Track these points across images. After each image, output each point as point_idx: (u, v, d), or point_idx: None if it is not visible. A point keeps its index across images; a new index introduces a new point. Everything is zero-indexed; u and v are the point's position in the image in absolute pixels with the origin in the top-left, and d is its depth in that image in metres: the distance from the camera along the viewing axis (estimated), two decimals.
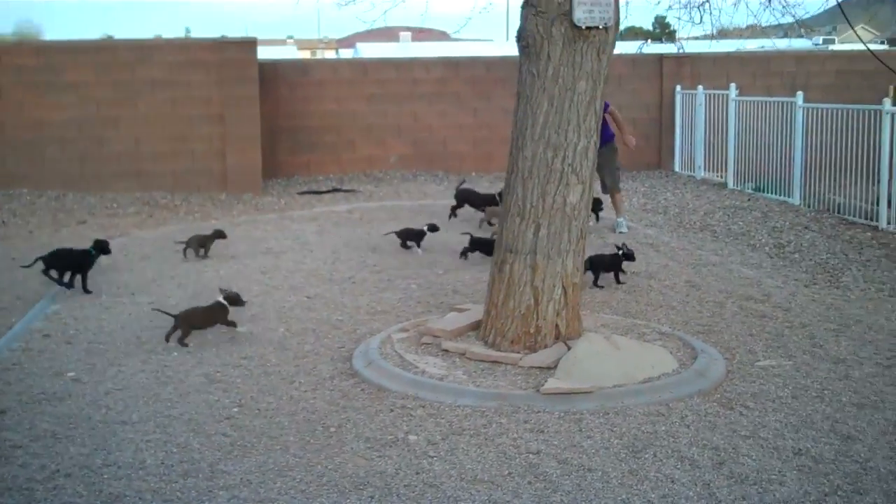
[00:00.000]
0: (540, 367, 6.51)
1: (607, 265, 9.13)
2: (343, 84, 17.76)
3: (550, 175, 6.77)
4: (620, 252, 9.15)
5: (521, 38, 6.93)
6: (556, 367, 6.40)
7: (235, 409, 6.03)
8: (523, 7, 6.91)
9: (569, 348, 6.58)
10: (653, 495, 4.78)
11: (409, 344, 7.10)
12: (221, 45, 15.95)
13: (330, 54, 64.88)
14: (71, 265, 8.95)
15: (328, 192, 15.85)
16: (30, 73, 15.15)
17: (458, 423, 5.73)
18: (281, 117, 17.23)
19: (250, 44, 16.05)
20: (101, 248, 9.24)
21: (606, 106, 10.70)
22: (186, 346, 7.25)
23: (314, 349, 7.27)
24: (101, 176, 15.17)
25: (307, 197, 15.42)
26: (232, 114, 15.63)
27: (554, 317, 6.83)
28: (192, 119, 15.63)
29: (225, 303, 7.53)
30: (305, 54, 64.38)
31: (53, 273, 8.84)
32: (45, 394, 6.31)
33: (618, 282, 9.05)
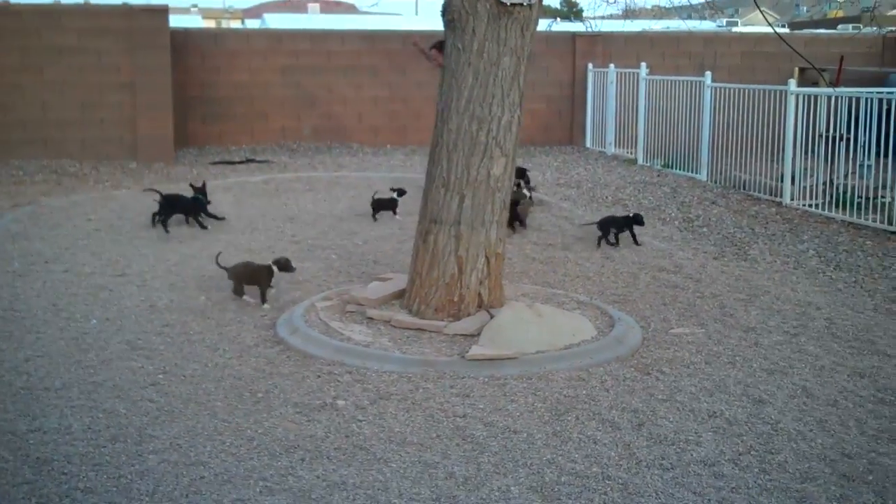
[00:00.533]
0: (464, 335, 6.64)
1: (619, 226, 9.87)
2: (256, 54, 17.57)
3: (475, 148, 6.87)
4: (631, 215, 9.98)
5: (446, 12, 7.00)
6: (479, 334, 6.54)
7: (160, 376, 6.01)
8: None
9: (492, 316, 6.72)
10: (576, 455, 4.96)
11: (334, 312, 7.15)
12: (131, 12, 15.60)
13: (236, 24, 63.74)
14: None
15: (242, 162, 15.70)
16: None
17: (385, 388, 5.83)
18: (192, 87, 16.99)
19: (162, 11, 15.74)
20: None
21: None
22: (241, 296, 7.63)
23: (236, 317, 7.26)
24: (7, 143, 14.74)
25: (220, 167, 15.24)
26: (142, 82, 15.33)
27: (477, 286, 6.96)
28: (102, 87, 15.28)
29: (274, 267, 7.64)
30: (211, 24, 63.00)
31: None
32: None
33: (636, 243, 9.83)
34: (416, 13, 60.20)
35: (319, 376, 6.02)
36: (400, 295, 7.31)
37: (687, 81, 15.12)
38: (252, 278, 7.67)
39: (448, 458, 4.90)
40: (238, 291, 7.66)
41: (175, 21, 16.77)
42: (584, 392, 5.80)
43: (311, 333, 6.66)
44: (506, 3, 6.69)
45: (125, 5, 15.88)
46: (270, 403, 5.59)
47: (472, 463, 4.86)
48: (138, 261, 8.90)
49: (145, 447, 4.97)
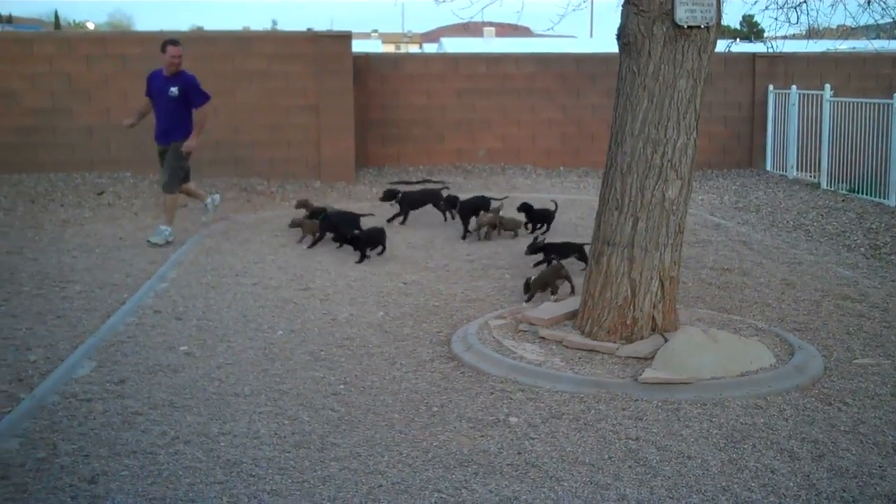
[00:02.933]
0: (636, 358, 6.62)
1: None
2: (434, 78, 18.00)
3: (649, 170, 6.85)
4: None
5: (621, 35, 7.03)
6: (652, 357, 6.50)
7: (341, 387, 6.27)
8: (624, 5, 7.00)
9: (666, 340, 6.68)
10: (753, 484, 4.87)
11: (507, 331, 7.27)
12: (317, 38, 16.30)
13: (414, 48, 65.29)
14: None
15: (418, 182, 16.09)
16: (134, 61, 15.66)
17: (558, 407, 5.88)
18: (372, 109, 17.56)
19: (345, 37, 16.36)
20: None
21: (195, 101, 10.95)
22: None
23: (413, 332, 7.48)
24: (201, 162, 15.60)
25: (397, 187, 15.66)
26: (326, 105, 15.98)
27: (650, 309, 6.92)
28: (289, 109, 16.01)
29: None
30: (390, 48, 64.90)
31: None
32: (160, 366, 6.62)
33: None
34: (591, 36, 60.09)
35: (492, 393, 6.13)
36: (572, 316, 7.35)
37: (874, 104, 14.53)
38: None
39: (620, 480, 4.91)
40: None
41: (356, 46, 17.40)
42: (761, 420, 5.68)
43: (485, 351, 6.79)
44: (682, 26, 6.66)
45: (311, 31, 16.62)
46: (445, 417, 5.74)
47: (644, 486, 4.85)
48: (321, 276, 9.29)
49: (327, 454, 5.21)
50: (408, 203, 12.04)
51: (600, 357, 6.69)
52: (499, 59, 18.52)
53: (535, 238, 9.88)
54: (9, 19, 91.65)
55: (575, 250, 9.41)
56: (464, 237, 11.21)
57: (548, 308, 7.55)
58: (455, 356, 6.87)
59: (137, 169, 15.43)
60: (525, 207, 11.54)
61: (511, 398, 6.05)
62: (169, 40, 10.80)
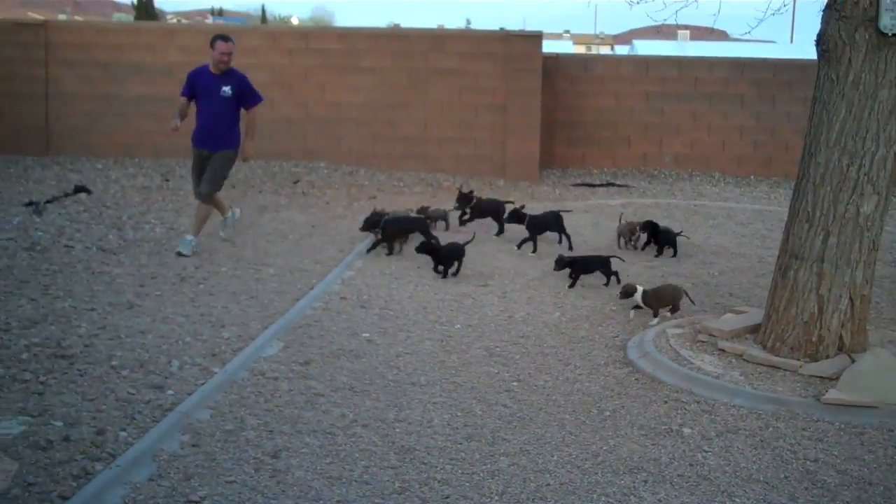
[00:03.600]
0: (820, 377, 6.39)
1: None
2: (623, 80, 17.84)
3: (844, 183, 6.60)
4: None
5: (820, 42, 6.79)
6: (837, 378, 6.26)
7: (514, 384, 6.36)
8: (825, 10, 6.76)
9: (853, 361, 6.42)
10: None
11: (684, 340, 7.16)
12: (508, 38, 16.46)
13: (605, 50, 64.66)
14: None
15: (602, 185, 16.01)
16: (333, 56, 16.29)
17: (734, 422, 5.76)
18: (559, 110, 17.57)
19: (536, 37, 16.46)
20: None
21: (248, 101, 9.92)
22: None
23: (588, 335, 7.48)
24: (391, 156, 16.13)
25: (581, 189, 15.67)
26: (514, 104, 16.12)
27: (838, 327, 6.67)
28: (477, 107, 16.26)
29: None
30: (581, 49, 64.52)
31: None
32: (343, 350, 6.90)
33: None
34: (791, 41, 57.89)
35: (666, 402, 6.07)
36: (754, 329, 7.17)
37: None
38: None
39: (795, 501, 4.77)
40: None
41: (548, 46, 17.47)
42: None
43: (661, 359, 6.72)
44: (887, 34, 6.37)
45: (503, 31, 16.78)
46: (617, 423, 5.73)
47: None
48: (500, 274, 9.41)
49: (497, 448, 5.30)
50: (392, 232, 10.21)
51: (781, 374, 6.50)
52: (691, 63, 18.17)
53: (561, 254, 9.34)
54: (219, 12, 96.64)
55: (601, 264, 9.14)
56: (534, 251, 10.55)
57: (729, 320, 7.39)
58: (630, 362, 6.83)
59: (331, 159, 16.04)
60: (650, 226, 10.72)
61: (685, 409, 5.97)
62: (219, 35, 9.73)
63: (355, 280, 8.97)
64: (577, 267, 9.08)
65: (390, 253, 10.10)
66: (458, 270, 9.30)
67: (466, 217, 11.39)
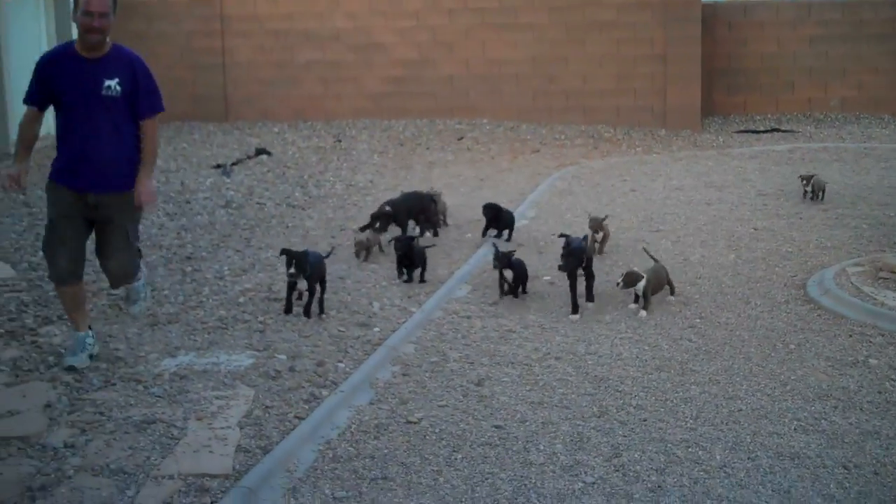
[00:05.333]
0: None
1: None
2: (784, 25, 17.43)
3: None
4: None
5: None
6: None
7: (697, 321, 6.59)
8: None
9: None
10: None
11: (865, 277, 7.21)
12: None
13: None
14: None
15: (766, 131, 15.80)
16: (491, 14, 16.56)
17: None
18: (719, 58, 17.33)
19: None
20: None
21: (143, 107, 5.42)
22: None
23: (766, 276, 7.62)
24: (551, 109, 16.34)
25: (745, 136, 15.52)
26: (673, 53, 16.04)
27: None
28: (636, 59, 16.24)
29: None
30: None
31: None
32: (528, 293, 7.26)
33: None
34: None
35: (851, 336, 6.20)
36: None
37: None
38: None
39: None
40: None
41: None
42: None
43: (843, 295, 6.82)
44: None
45: None
46: (802, 355, 5.91)
47: None
48: (671, 220, 9.58)
49: (687, 378, 5.57)
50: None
51: None
52: (855, 5, 17.56)
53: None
54: None
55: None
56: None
57: None
58: (811, 299, 6.95)
59: (493, 116, 16.37)
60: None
61: (870, 341, 6.09)
62: None
63: (530, 228, 9.33)
64: None
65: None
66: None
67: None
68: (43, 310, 6.45)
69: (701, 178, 11.77)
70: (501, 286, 7.13)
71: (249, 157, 13.41)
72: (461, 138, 15.19)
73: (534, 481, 4.31)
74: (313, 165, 12.96)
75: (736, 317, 6.65)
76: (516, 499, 4.15)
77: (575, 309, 6.76)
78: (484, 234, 8.86)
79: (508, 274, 7.07)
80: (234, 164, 12.80)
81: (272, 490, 4.19)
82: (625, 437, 4.79)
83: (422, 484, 4.27)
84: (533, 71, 16.42)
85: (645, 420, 4.99)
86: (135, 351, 5.81)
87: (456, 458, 4.53)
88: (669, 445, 4.68)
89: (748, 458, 4.54)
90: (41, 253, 6.18)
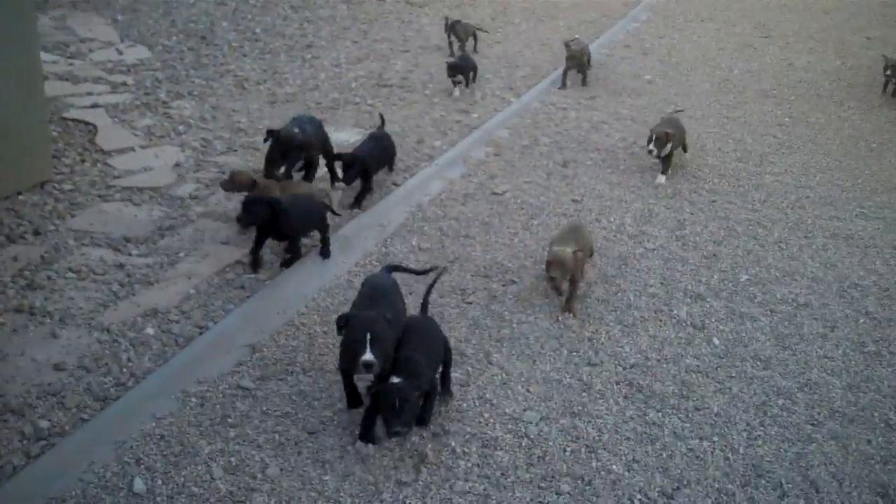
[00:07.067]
0: None
1: None
2: None
3: None
4: None
5: None
6: None
7: (787, 119, 6.80)
8: None
9: None
10: None
11: None
12: None
13: None
14: None
15: None
16: None
17: None
18: None
19: None
20: None
21: None
22: None
23: (867, 81, 7.70)
24: None
25: None
26: None
27: None
28: None
29: None
30: None
31: None
32: (625, 89, 7.54)
33: None
34: None
35: None
36: None
37: None
38: None
39: None
40: None
41: None
42: None
43: None
44: None
45: None
46: (881, 154, 6.11)
47: None
48: (783, 25, 9.55)
49: (763, 169, 5.87)
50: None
51: None
52: None
53: None
54: None
55: None
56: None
57: None
58: None
59: None
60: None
61: None
62: None
63: (640, 31, 9.46)
64: None
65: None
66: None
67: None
68: (175, 86, 7.10)
69: None
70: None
71: None
72: None
73: (601, 244, 4.78)
74: None
75: (826, 117, 6.83)
76: None
77: None
78: None
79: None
80: None
81: (364, 240, 4.78)
82: (691, 214, 5.19)
83: (498, 243, 4.80)
84: None
85: (714, 201, 5.36)
86: (255, 124, 6.42)
87: (532, 224, 5.02)
88: (732, 223, 5.06)
89: (804, 237, 4.90)
90: (175, 38, 6.76)
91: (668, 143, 5.48)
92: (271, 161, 4.94)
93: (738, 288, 4.35)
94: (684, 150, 5.94)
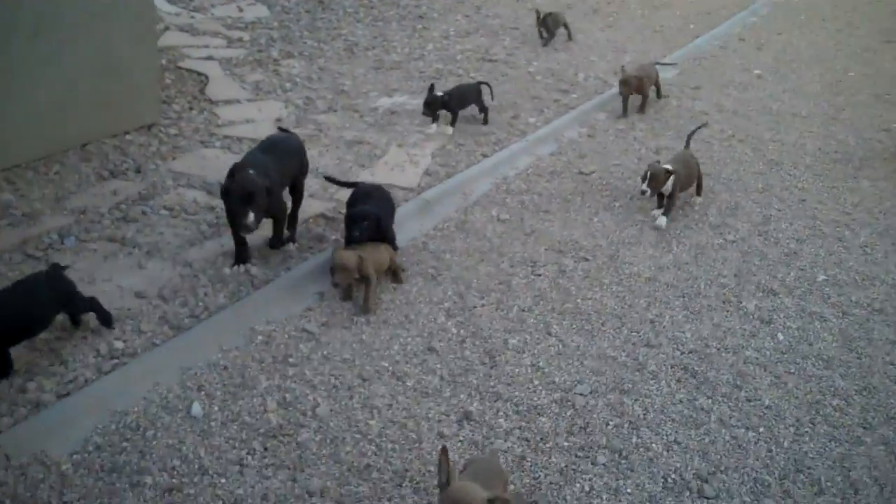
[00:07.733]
0: None
1: None
2: None
3: None
4: None
5: None
6: None
7: (895, 125, 6.63)
8: None
9: None
10: None
11: None
12: None
13: None
14: None
15: None
16: None
17: None
18: None
19: None
20: None
21: None
22: None
23: None
24: None
25: None
26: None
27: None
28: None
29: None
30: None
31: None
32: (732, 82, 7.45)
33: None
34: None
35: None
36: None
37: None
38: None
39: None
40: None
41: None
42: None
43: None
44: None
45: None
46: None
47: None
48: None
49: (861, 173, 5.76)
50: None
51: None
52: None
53: None
54: None
55: None
56: None
57: None
58: None
59: None
60: None
61: None
62: None
63: (758, 25, 9.30)
64: None
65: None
66: None
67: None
68: (287, 46, 7.33)
69: None
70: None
71: None
72: None
73: (677, 233, 4.78)
74: None
75: None
76: (658, 244, 4.66)
77: None
78: None
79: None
80: None
81: (445, 206, 4.90)
82: (778, 210, 5.14)
83: (577, 220, 4.85)
84: None
85: (804, 200, 5.29)
86: (358, 88, 6.59)
87: (614, 206, 5.06)
88: (819, 223, 5.00)
89: (892, 243, 4.81)
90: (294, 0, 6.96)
91: (666, 182, 4.78)
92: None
93: (814, 287, 4.32)
94: (698, 192, 5.18)
